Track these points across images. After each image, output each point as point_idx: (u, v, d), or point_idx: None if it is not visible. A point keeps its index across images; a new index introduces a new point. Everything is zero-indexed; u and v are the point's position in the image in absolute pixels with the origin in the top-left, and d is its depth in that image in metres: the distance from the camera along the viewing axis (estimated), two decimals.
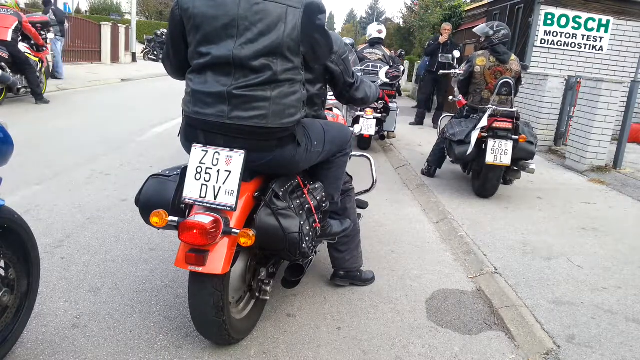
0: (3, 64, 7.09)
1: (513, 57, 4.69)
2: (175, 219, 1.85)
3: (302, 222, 1.97)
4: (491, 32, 4.67)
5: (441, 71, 7.33)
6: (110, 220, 3.40)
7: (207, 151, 1.85)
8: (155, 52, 22.11)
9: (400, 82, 7.93)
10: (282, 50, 1.81)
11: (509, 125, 4.28)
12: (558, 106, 7.05)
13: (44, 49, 8.35)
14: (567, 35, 8.28)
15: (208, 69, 1.83)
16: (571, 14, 8.20)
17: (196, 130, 1.90)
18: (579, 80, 6.60)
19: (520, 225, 3.87)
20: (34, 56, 7.83)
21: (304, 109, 1.98)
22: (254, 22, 1.78)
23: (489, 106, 4.39)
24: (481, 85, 4.67)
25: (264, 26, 1.78)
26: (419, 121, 9.19)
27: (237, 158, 1.82)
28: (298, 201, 2.05)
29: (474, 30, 5.29)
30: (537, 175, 4.91)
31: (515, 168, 4.44)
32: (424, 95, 9.44)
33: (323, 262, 2.92)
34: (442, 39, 8.89)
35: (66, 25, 11.82)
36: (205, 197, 1.83)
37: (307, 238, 1.99)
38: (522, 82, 5.18)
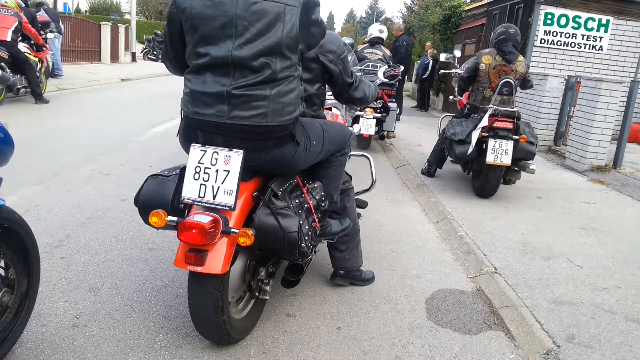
0: (3, 64, 7.09)
1: (521, 58, 4.60)
2: (175, 219, 1.85)
3: (301, 222, 1.97)
4: (499, 31, 4.63)
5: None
6: (110, 220, 3.40)
7: (206, 151, 1.85)
8: (155, 52, 22.12)
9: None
10: (281, 49, 1.81)
11: (510, 126, 4.28)
12: (558, 106, 7.06)
13: (44, 49, 8.36)
14: (567, 35, 8.28)
15: (207, 70, 1.83)
16: (571, 14, 8.20)
17: (195, 131, 1.90)
18: (579, 80, 6.60)
19: (520, 225, 3.87)
20: (34, 56, 7.83)
21: (302, 105, 1.98)
22: (252, 22, 1.77)
23: (490, 106, 4.38)
24: (484, 83, 4.63)
25: (262, 26, 1.78)
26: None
27: (236, 158, 1.82)
28: (297, 201, 2.05)
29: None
30: (537, 175, 4.90)
31: (516, 168, 4.43)
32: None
33: (323, 262, 2.92)
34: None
35: (61, 23, 11.85)
36: (204, 197, 1.83)
37: (306, 237, 1.99)
38: (532, 86, 5.00)
